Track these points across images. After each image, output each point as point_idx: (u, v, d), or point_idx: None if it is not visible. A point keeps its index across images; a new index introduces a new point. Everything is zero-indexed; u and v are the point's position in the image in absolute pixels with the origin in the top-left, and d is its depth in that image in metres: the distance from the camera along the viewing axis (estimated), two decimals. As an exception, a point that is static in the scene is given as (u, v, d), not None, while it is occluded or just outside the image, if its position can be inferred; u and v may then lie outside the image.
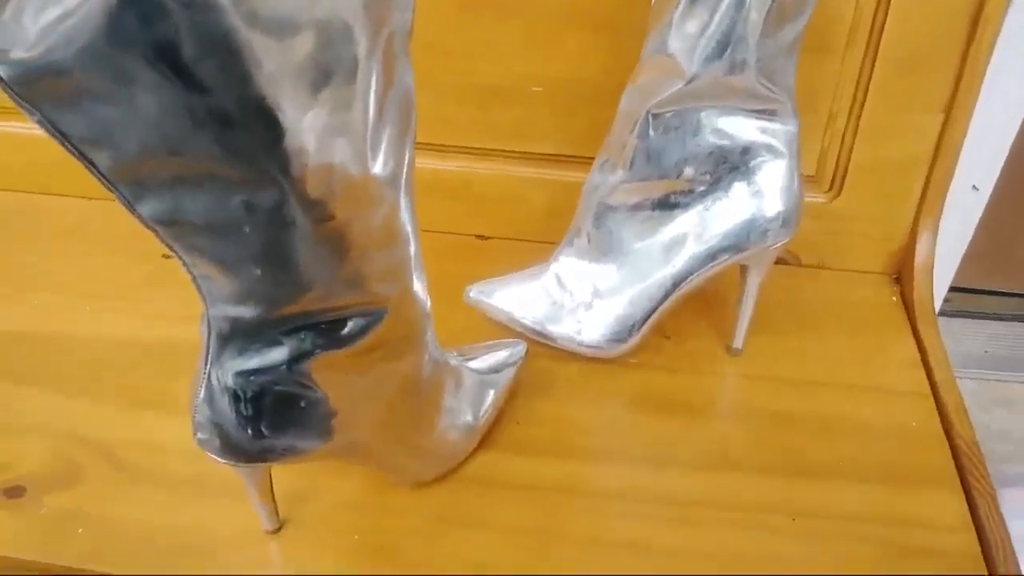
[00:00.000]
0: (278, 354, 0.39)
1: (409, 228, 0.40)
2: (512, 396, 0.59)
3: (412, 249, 0.41)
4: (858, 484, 0.55)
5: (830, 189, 0.69)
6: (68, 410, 0.59)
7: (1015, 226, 0.93)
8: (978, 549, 0.51)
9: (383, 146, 0.35)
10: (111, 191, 0.31)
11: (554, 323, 0.60)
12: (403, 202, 0.38)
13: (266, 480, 0.48)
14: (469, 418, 0.53)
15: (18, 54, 0.26)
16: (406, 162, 0.37)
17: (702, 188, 0.56)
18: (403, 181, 0.38)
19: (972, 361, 0.94)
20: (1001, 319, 0.97)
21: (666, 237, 0.57)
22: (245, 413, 0.40)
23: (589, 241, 0.59)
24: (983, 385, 0.91)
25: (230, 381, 0.39)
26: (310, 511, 0.52)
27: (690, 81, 0.51)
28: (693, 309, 0.66)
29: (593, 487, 0.55)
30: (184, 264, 0.36)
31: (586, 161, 0.60)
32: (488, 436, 0.56)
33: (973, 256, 0.85)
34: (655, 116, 0.54)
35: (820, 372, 0.62)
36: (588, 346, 0.60)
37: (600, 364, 0.62)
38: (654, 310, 0.59)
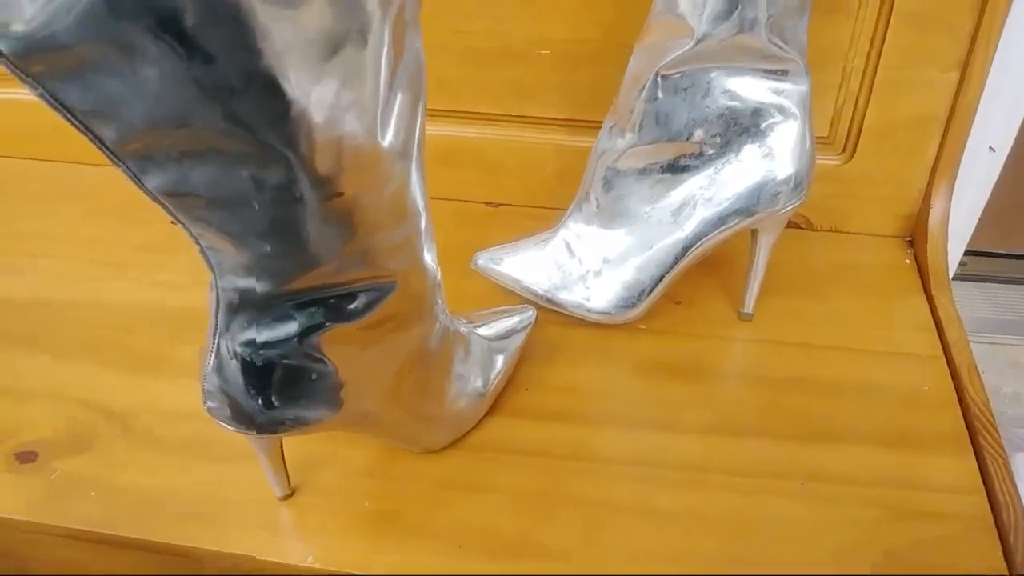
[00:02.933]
0: (288, 327, 0.39)
1: (420, 202, 0.39)
2: (521, 362, 0.58)
3: (423, 223, 0.40)
4: (869, 447, 0.54)
5: (843, 151, 0.68)
6: (77, 376, 0.59)
7: (1032, 189, 0.92)
8: (988, 512, 0.51)
9: (393, 118, 0.34)
10: (117, 164, 0.31)
11: (563, 290, 0.60)
12: (414, 175, 0.38)
13: (277, 448, 0.48)
14: (479, 385, 0.53)
15: (17, 28, 0.25)
16: (417, 134, 0.37)
17: (712, 151, 0.55)
18: (414, 153, 0.37)
19: (986, 325, 0.93)
20: (1017, 283, 0.96)
21: (675, 201, 0.57)
22: (255, 384, 0.40)
23: (598, 207, 0.59)
24: (996, 349, 0.91)
25: (240, 351, 0.39)
26: (320, 477, 0.52)
27: (699, 41, 0.50)
28: (703, 274, 0.66)
29: (602, 452, 0.55)
30: (191, 235, 0.35)
31: (595, 125, 0.59)
32: (497, 402, 0.56)
33: (989, 219, 0.84)
34: (664, 77, 0.53)
35: (832, 336, 0.62)
36: (597, 312, 0.60)
37: (609, 330, 0.61)
38: (663, 276, 0.58)
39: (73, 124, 0.29)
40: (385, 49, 0.31)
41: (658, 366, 0.60)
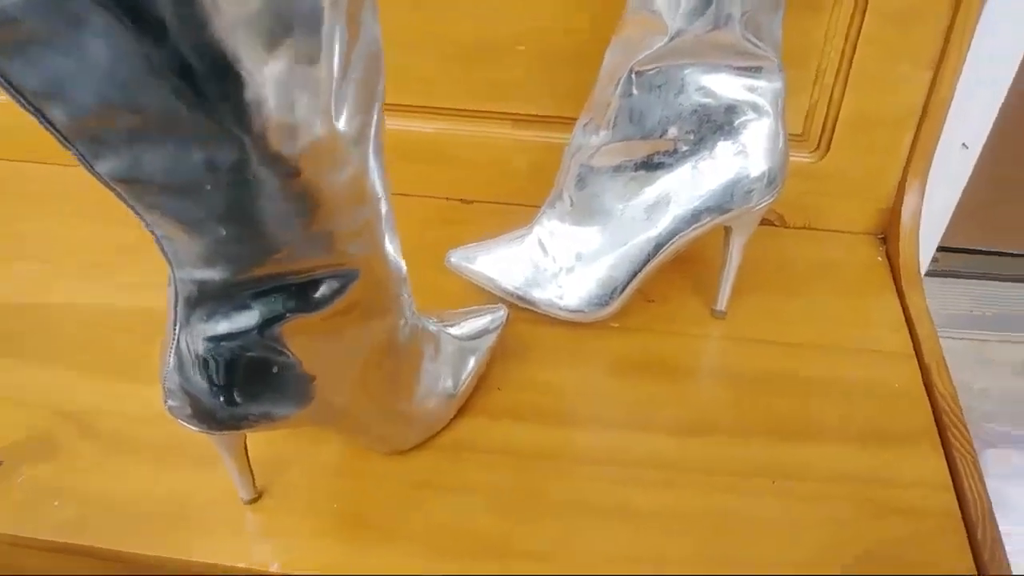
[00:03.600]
0: (248, 318, 0.38)
1: (379, 187, 0.38)
2: (493, 361, 0.58)
3: (383, 209, 0.40)
4: (840, 445, 0.55)
5: (817, 148, 0.68)
6: (43, 380, 0.58)
7: (1005, 185, 0.92)
8: (956, 508, 0.51)
9: (348, 101, 0.33)
10: (68, 148, 0.30)
11: (536, 288, 0.60)
12: (372, 161, 0.37)
13: (241, 448, 0.47)
14: (449, 384, 0.53)
15: None
16: (375, 119, 0.36)
17: (686, 148, 0.55)
18: (371, 138, 0.36)
19: (959, 321, 0.93)
20: (989, 279, 0.97)
21: (649, 198, 0.57)
22: (216, 380, 0.39)
23: (571, 204, 0.58)
24: (968, 345, 0.91)
25: (200, 347, 0.39)
26: (288, 479, 0.52)
27: (673, 37, 0.50)
28: (677, 271, 0.65)
29: (575, 451, 0.54)
30: (146, 224, 0.34)
31: (570, 121, 0.59)
32: (468, 402, 0.56)
33: (962, 215, 0.84)
34: (638, 74, 0.53)
35: (804, 333, 0.62)
36: (570, 310, 0.59)
37: (582, 328, 0.61)
38: (636, 273, 0.58)
39: (22, 104, 0.28)
40: (339, 29, 0.31)
41: (632, 364, 0.60)
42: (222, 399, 0.40)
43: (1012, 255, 0.98)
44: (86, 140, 0.30)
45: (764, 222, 0.64)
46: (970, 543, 0.49)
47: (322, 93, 0.32)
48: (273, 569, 0.47)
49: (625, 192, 0.57)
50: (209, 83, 0.28)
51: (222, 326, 0.38)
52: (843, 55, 0.63)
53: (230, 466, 0.48)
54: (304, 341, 0.40)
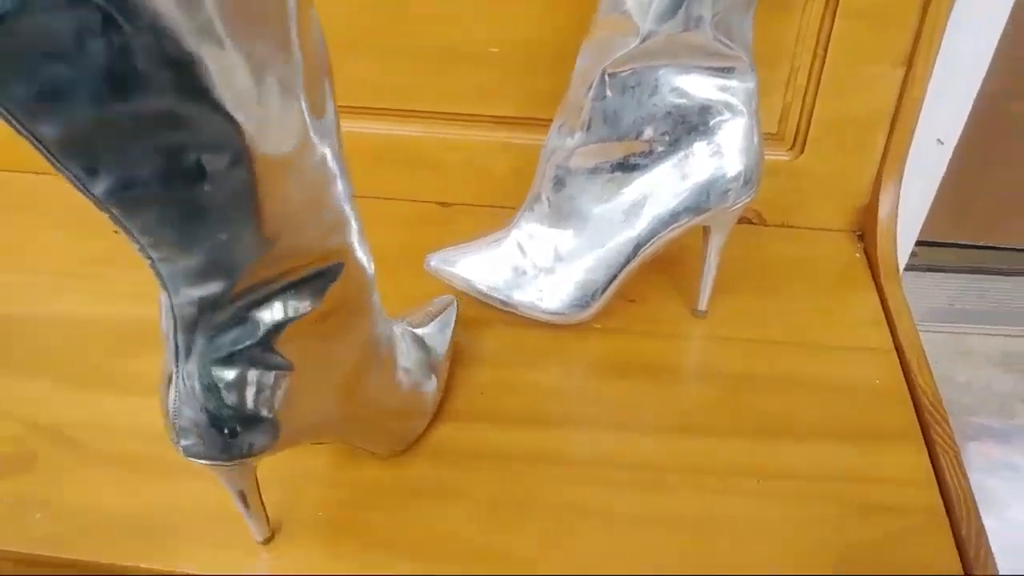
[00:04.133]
0: (248, 331, 0.38)
1: (340, 172, 0.38)
2: (475, 365, 0.58)
3: (350, 196, 0.40)
4: (823, 443, 0.55)
5: (792, 147, 0.68)
6: (21, 392, 0.57)
7: (980, 179, 0.93)
8: (940, 504, 0.51)
9: (315, 93, 0.34)
10: (61, 170, 0.29)
11: (516, 290, 0.60)
12: (336, 145, 0.37)
13: (254, 482, 0.45)
14: (423, 378, 0.53)
15: None
16: (330, 105, 0.37)
17: (661, 149, 0.55)
18: (333, 123, 0.37)
19: (938, 314, 0.94)
20: (966, 272, 0.98)
21: (626, 200, 0.57)
22: (229, 404, 0.38)
23: (549, 206, 0.58)
24: (948, 338, 0.92)
25: (209, 372, 0.38)
26: (274, 489, 0.51)
27: (645, 39, 0.50)
28: (657, 271, 0.65)
29: (559, 454, 0.54)
30: (141, 248, 0.34)
31: (547, 123, 0.59)
32: (452, 406, 0.56)
33: (940, 209, 0.85)
34: (611, 76, 0.53)
35: (784, 331, 0.62)
36: (551, 313, 0.59)
37: (564, 330, 0.61)
38: (616, 274, 0.58)
39: (14, 125, 0.27)
40: (293, 12, 0.31)
41: (613, 365, 0.60)
42: (236, 425, 0.39)
43: (990, 248, 0.99)
44: (81, 156, 0.29)
45: (743, 220, 0.64)
46: (955, 539, 0.50)
47: (288, 75, 0.32)
48: (256, 580, 0.47)
49: (602, 194, 0.57)
50: (208, 69, 0.28)
51: (226, 345, 0.38)
52: (815, 55, 0.63)
53: (243, 503, 0.46)
54: (301, 346, 0.40)
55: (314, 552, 0.48)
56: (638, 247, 0.57)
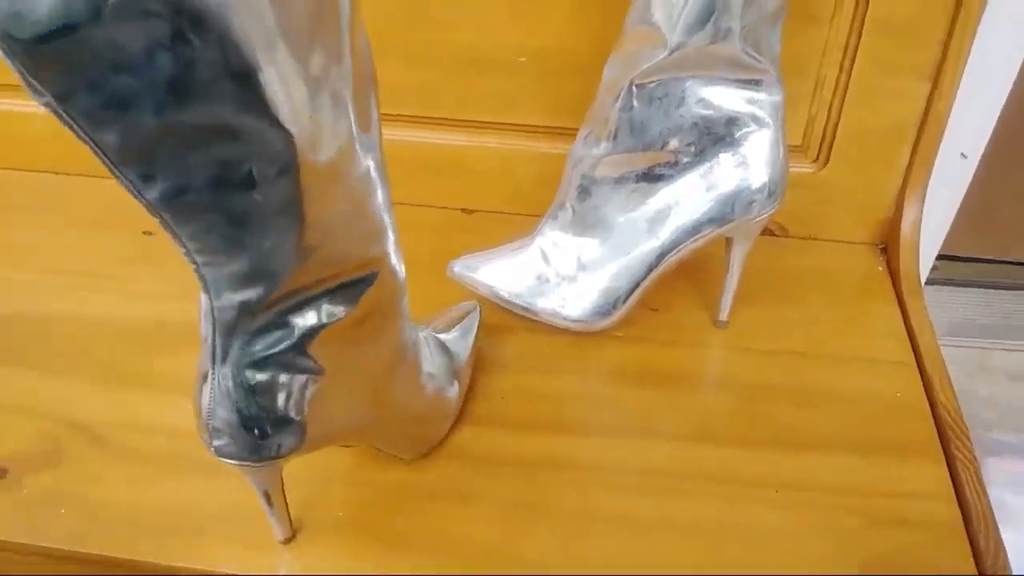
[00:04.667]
0: (283, 336, 0.38)
1: (382, 180, 0.39)
2: (496, 370, 0.58)
3: (390, 209, 0.40)
4: (842, 455, 0.55)
5: (817, 159, 0.68)
6: (49, 390, 0.58)
7: (1003, 194, 0.93)
8: (960, 519, 0.51)
9: (359, 98, 0.34)
10: (119, 175, 0.30)
11: (539, 297, 0.60)
12: (379, 153, 0.38)
13: (279, 482, 0.46)
14: (446, 382, 0.53)
15: (34, 19, 0.24)
16: (374, 114, 0.37)
17: (687, 160, 0.56)
18: (376, 132, 0.38)
19: (960, 328, 0.94)
20: (989, 287, 0.97)
21: (651, 210, 0.57)
22: (263, 405, 0.39)
23: (573, 214, 0.59)
24: (970, 352, 0.92)
25: (240, 376, 0.38)
26: (295, 488, 0.52)
27: (673, 51, 0.50)
28: (679, 280, 0.66)
29: (578, 460, 0.55)
30: (188, 253, 0.35)
31: (572, 132, 0.59)
32: (472, 411, 0.56)
33: (962, 224, 0.85)
34: (639, 87, 0.53)
35: (805, 343, 0.62)
36: (573, 320, 0.60)
37: (585, 337, 0.61)
38: (639, 283, 0.58)
39: (76, 131, 0.28)
40: (345, 19, 0.32)
41: (634, 374, 0.60)
42: (267, 427, 0.40)
43: (1012, 263, 0.98)
44: (139, 164, 0.30)
45: (766, 232, 0.64)
46: (973, 553, 0.50)
47: (346, 97, 0.33)
48: (280, 578, 0.48)
49: (627, 203, 0.57)
50: (272, 79, 0.28)
51: (262, 349, 0.38)
52: (842, 67, 0.64)
53: (268, 503, 0.47)
54: (334, 350, 0.40)
55: (334, 552, 0.49)
56: (661, 257, 0.58)
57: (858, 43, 0.62)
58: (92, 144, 0.28)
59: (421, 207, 0.74)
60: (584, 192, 0.58)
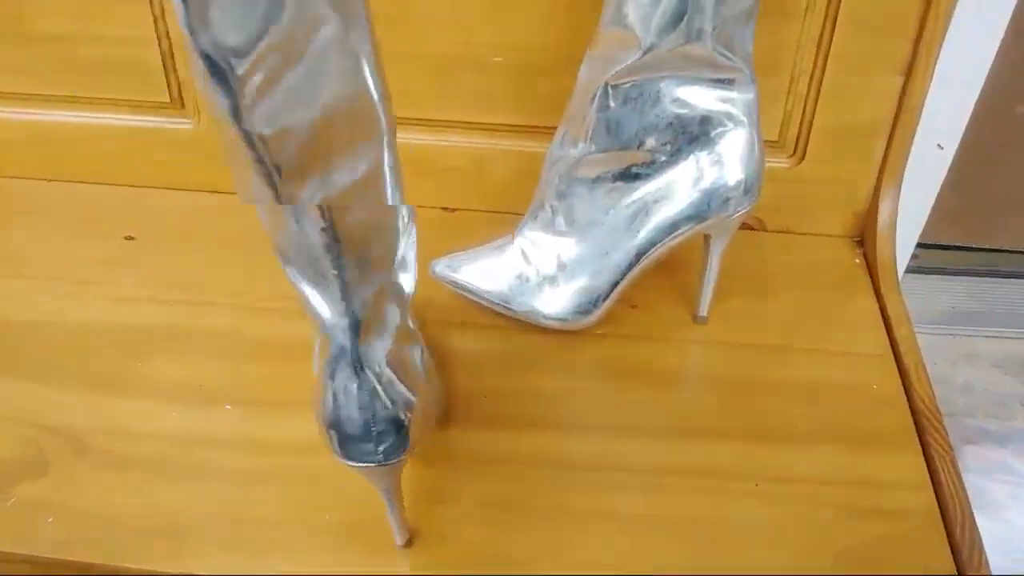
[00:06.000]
0: (394, 316, 0.41)
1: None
2: (479, 370, 0.59)
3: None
4: (821, 446, 0.56)
5: (793, 154, 0.69)
6: (32, 397, 0.58)
7: (982, 181, 0.94)
8: (936, 507, 0.52)
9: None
10: (267, 185, 0.32)
11: (519, 297, 0.61)
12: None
13: (399, 481, 0.47)
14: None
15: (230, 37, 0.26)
16: None
17: (663, 159, 0.56)
18: None
19: (939, 316, 0.95)
20: (968, 274, 0.98)
21: (629, 209, 0.57)
22: (400, 390, 0.41)
23: (552, 214, 0.59)
24: (950, 340, 0.93)
25: (381, 365, 0.40)
26: (278, 491, 0.52)
27: (647, 51, 0.51)
28: (658, 277, 0.66)
29: (562, 458, 0.55)
30: (337, 261, 0.36)
31: (549, 131, 0.60)
32: (455, 411, 0.57)
33: (940, 212, 0.86)
34: (614, 88, 0.54)
35: (784, 337, 0.63)
36: (554, 319, 0.60)
37: (566, 336, 0.62)
38: (618, 281, 0.59)
39: (249, 150, 0.29)
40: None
41: (616, 371, 0.61)
42: (403, 415, 0.41)
43: (992, 250, 0.99)
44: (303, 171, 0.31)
45: (744, 227, 0.65)
46: (949, 542, 0.51)
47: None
48: (265, 583, 0.48)
49: (605, 203, 0.58)
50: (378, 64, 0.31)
51: (387, 337, 0.41)
52: (815, 63, 0.64)
53: (392, 504, 0.47)
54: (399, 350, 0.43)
55: (319, 552, 0.50)
56: (640, 255, 0.58)
57: (831, 39, 0.63)
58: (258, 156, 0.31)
59: (402, 207, 0.74)
60: (562, 192, 0.58)
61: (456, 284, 0.62)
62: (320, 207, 0.33)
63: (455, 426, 0.56)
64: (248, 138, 0.29)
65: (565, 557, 0.50)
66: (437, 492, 0.53)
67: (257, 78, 0.28)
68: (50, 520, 0.51)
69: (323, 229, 0.34)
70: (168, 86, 0.71)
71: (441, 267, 0.63)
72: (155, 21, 0.67)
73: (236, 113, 0.28)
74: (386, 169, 0.37)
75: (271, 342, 0.62)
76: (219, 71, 0.27)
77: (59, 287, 0.67)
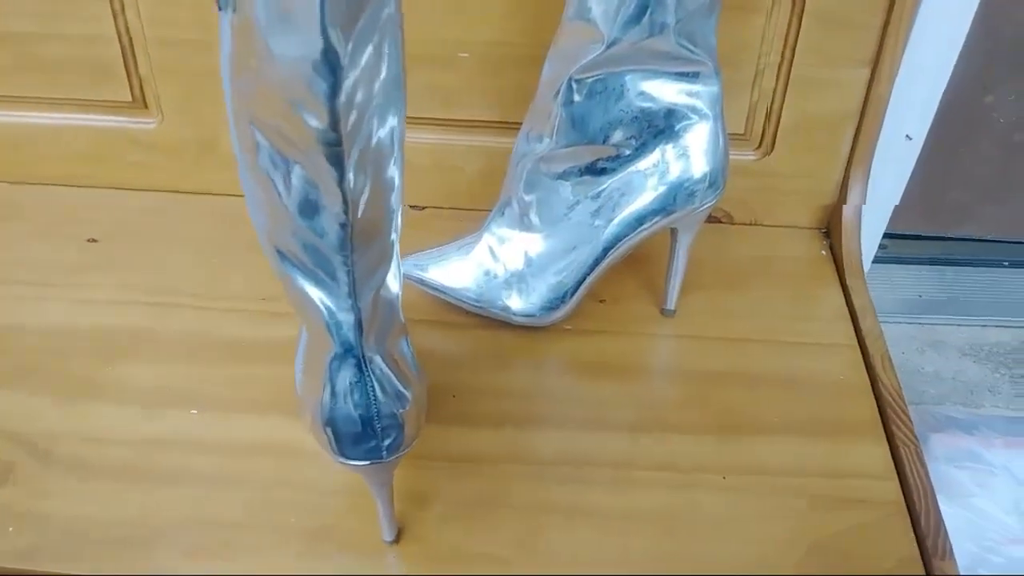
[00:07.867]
0: (390, 311, 0.41)
1: None
2: (449, 368, 0.59)
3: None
4: (789, 438, 0.56)
5: (760, 146, 0.69)
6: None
7: (950, 171, 0.95)
8: (901, 497, 0.53)
9: None
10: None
11: (487, 294, 0.60)
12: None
13: (391, 479, 0.47)
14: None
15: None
16: None
17: (629, 153, 0.56)
18: None
19: (908, 306, 0.96)
20: (935, 263, 0.99)
21: (595, 203, 0.57)
22: (402, 380, 0.41)
23: (520, 209, 0.59)
24: (918, 329, 0.93)
25: (386, 357, 0.40)
26: (251, 496, 0.52)
27: (610, 45, 0.50)
28: (627, 272, 0.66)
29: (533, 454, 0.55)
30: (349, 257, 0.36)
31: (516, 126, 0.59)
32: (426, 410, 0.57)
33: (908, 202, 0.86)
34: (578, 82, 0.53)
35: (751, 329, 0.63)
36: (522, 315, 0.60)
37: (535, 332, 0.62)
38: (586, 276, 0.59)
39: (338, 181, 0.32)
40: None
41: (585, 365, 0.61)
42: (403, 410, 0.41)
43: (959, 240, 1.00)
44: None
45: (711, 219, 0.65)
46: (915, 530, 0.51)
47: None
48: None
49: (571, 198, 0.57)
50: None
51: (383, 340, 0.41)
52: (782, 56, 0.64)
53: (383, 501, 0.47)
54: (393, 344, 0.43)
55: (291, 558, 0.49)
56: (607, 249, 0.58)
57: (798, 31, 0.63)
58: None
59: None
60: (529, 187, 0.58)
61: (424, 283, 0.62)
62: (344, 199, 0.34)
63: (426, 425, 0.56)
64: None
65: (538, 552, 0.50)
66: (408, 491, 0.52)
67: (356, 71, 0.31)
68: (11, 529, 0.50)
69: (342, 224, 0.34)
70: (130, 85, 0.70)
71: (408, 266, 0.63)
72: (115, 17, 0.66)
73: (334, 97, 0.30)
74: (397, 143, 0.39)
75: (238, 344, 0.61)
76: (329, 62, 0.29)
77: (22, 292, 0.66)
